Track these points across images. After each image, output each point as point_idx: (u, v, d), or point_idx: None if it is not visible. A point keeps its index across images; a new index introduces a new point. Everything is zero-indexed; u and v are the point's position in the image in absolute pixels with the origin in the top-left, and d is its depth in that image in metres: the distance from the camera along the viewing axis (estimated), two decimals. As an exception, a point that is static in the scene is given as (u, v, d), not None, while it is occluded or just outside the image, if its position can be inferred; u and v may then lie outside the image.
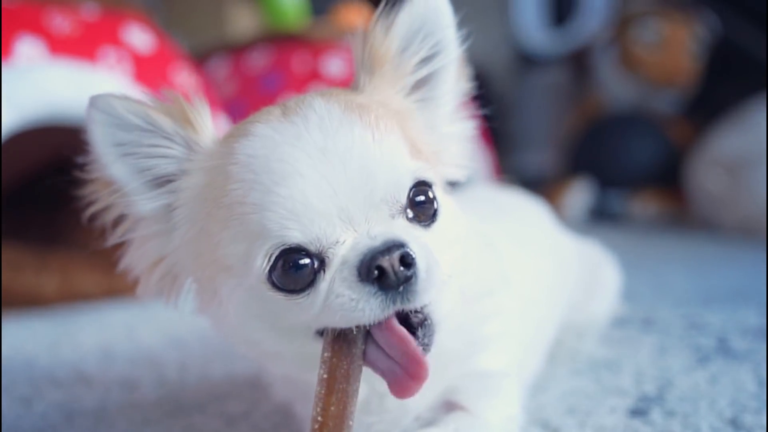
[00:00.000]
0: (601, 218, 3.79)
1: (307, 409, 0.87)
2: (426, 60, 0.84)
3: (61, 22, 1.96)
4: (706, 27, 3.77)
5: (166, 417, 1.13)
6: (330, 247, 0.69)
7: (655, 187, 3.76)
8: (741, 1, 3.76)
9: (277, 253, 0.69)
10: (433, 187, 0.75)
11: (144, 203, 0.78)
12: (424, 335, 0.72)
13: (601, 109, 4.05)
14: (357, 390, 0.72)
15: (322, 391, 0.71)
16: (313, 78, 2.78)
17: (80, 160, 0.79)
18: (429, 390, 0.83)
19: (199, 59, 2.87)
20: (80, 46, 1.95)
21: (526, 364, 1.03)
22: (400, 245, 0.68)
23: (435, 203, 0.75)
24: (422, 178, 0.74)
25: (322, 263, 0.70)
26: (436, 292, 0.71)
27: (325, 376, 0.72)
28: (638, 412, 1.04)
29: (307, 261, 0.69)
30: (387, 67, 0.81)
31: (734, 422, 0.98)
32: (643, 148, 3.81)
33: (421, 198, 0.74)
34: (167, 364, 1.44)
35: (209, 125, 0.79)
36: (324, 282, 0.69)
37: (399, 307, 0.69)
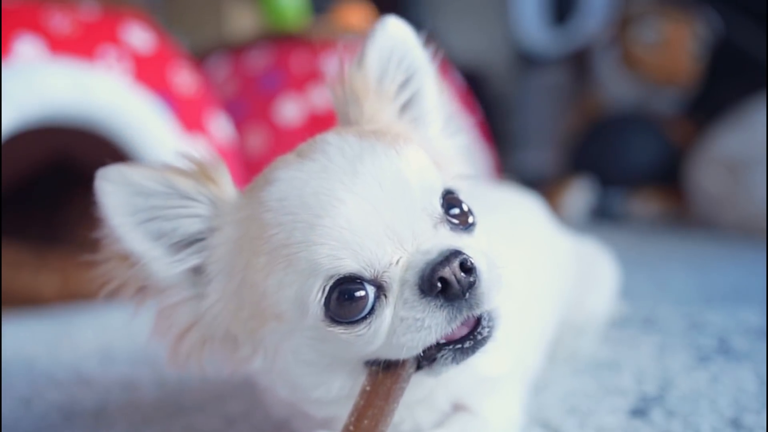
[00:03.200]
0: (601, 217, 3.79)
1: (305, 425, 0.87)
2: (405, 83, 0.85)
3: (60, 22, 1.96)
4: (706, 27, 3.77)
5: (166, 417, 1.13)
6: (385, 271, 0.68)
7: (656, 186, 3.76)
8: (742, 0, 3.76)
9: (331, 284, 0.67)
10: (461, 195, 0.76)
11: (168, 269, 0.76)
12: (487, 325, 0.71)
13: (601, 109, 4.05)
14: (393, 411, 0.71)
15: (361, 403, 0.71)
16: (312, 78, 2.78)
17: (94, 236, 0.76)
18: (436, 402, 0.83)
19: (199, 58, 2.87)
20: (80, 46, 1.95)
21: (527, 363, 1.03)
22: (457, 253, 0.67)
23: (470, 211, 0.75)
24: (449, 187, 0.74)
25: (380, 289, 0.68)
26: (499, 291, 0.70)
27: (367, 388, 0.72)
28: (638, 412, 1.04)
29: (362, 289, 0.68)
30: (371, 97, 0.82)
31: (735, 422, 0.98)
32: (643, 147, 3.81)
33: (456, 210, 0.74)
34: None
35: (229, 180, 0.78)
36: (387, 308, 0.68)
37: (466, 315, 0.68)
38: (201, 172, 0.76)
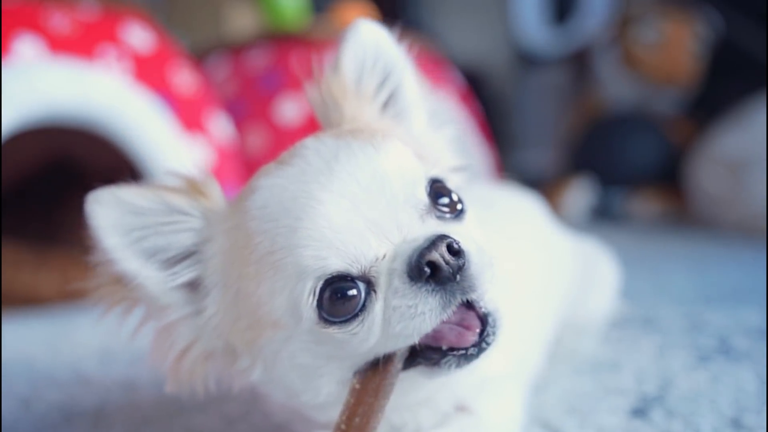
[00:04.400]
0: (601, 217, 3.80)
1: (305, 427, 0.87)
2: (382, 83, 0.85)
3: (60, 21, 1.96)
4: (706, 26, 3.77)
5: (166, 417, 1.13)
6: (372, 266, 0.67)
7: (656, 186, 3.76)
8: (742, 0, 3.76)
9: (321, 285, 0.67)
10: (448, 183, 0.75)
11: (164, 287, 0.75)
12: (492, 332, 0.71)
13: (601, 109, 4.06)
14: (383, 407, 0.71)
15: (351, 401, 0.71)
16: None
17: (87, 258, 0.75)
18: (437, 406, 0.83)
19: (199, 58, 2.87)
20: (80, 45, 1.95)
21: (528, 363, 1.03)
22: (443, 236, 0.66)
23: (459, 199, 0.75)
24: (434, 176, 0.74)
25: (369, 285, 0.68)
26: (492, 276, 0.69)
27: (357, 386, 0.72)
28: (639, 411, 1.04)
29: (353, 286, 0.67)
30: (350, 99, 0.82)
31: (735, 422, 0.98)
32: (643, 147, 3.81)
33: (445, 199, 0.73)
34: (167, 364, 1.43)
35: (219, 193, 0.78)
36: (378, 302, 0.68)
37: (460, 299, 0.67)
38: (191, 188, 0.77)
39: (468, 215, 0.76)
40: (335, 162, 0.70)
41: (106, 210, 0.73)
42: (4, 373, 1.41)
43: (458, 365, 0.71)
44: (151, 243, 0.75)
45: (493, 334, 0.71)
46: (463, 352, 0.71)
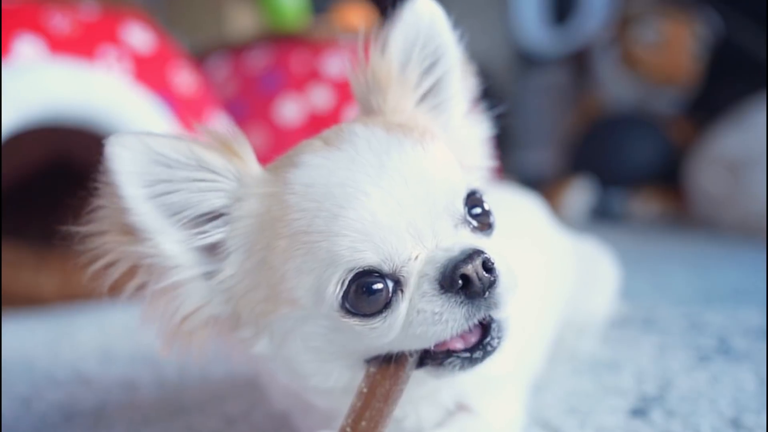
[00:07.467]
0: (601, 217, 3.79)
1: (304, 422, 0.86)
2: (429, 68, 0.83)
3: (60, 22, 1.96)
4: (707, 27, 3.77)
5: (166, 417, 1.13)
6: (403, 266, 0.68)
7: (656, 186, 3.76)
8: (742, 0, 3.76)
9: (350, 277, 0.67)
10: (483, 195, 0.76)
11: (183, 246, 0.72)
12: (497, 336, 0.72)
13: (601, 109, 4.06)
14: (392, 413, 0.71)
15: (359, 404, 0.71)
16: (312, 78, 2.78)
17: (87, 207, 0.70)
18: (439, 401, 0.83)
19: (199, 58, 2.87)
20: (80, 46, 1.95)
21: (529, 363, 1.03)
22: (479, 252, 0.67)
23: (491, 213, 0.76)
24: (473, 188, 0.74)
25: (397, 283, 0.68)
26: (515, 294, 0.71)
27: (365, 390, 0.72)
28: (638, 412, 1.04)
29: (380, 282, 0.68)
30: (394, 85, 0.81)
31: (735, 422, 0.98)
32: (643, 147, 3.81)
33: (478, 210, 0.74)
34: (167, 364, 1.43)
35: (252, 155, 0.75)
36: (403, 301, 0.68)
37: (484, 313, 0.69)
38: (224, 146, 0.73)
39: (495, 230, 0.76)
40: (386, 157, 0.70)
41: (131, 155, 0.68)
42: (4, 373, 1.41)
43: (462, 367, 0.72)
44: (176, 199, 0.71)
45: (498, 338, 0.72)
46: (468, 355, 0.71)
